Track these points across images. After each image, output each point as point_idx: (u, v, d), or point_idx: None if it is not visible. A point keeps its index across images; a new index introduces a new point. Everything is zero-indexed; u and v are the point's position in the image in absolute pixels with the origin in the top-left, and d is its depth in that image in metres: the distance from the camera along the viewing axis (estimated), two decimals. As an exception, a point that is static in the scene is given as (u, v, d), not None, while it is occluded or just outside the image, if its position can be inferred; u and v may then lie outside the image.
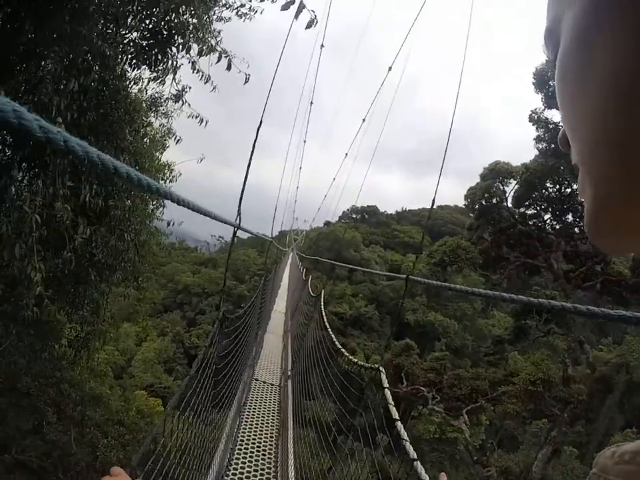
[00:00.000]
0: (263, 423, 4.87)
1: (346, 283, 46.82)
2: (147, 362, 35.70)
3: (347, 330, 39.99)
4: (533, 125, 17.53)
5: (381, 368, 3.17)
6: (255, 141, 3.04)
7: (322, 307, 6.23)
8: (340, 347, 4.33)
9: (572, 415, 15.20)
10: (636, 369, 16.11)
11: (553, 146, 16.77)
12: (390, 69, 8.44)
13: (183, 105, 7.08)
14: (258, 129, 3.18)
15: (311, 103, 13.42)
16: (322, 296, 6.77)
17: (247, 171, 2.89)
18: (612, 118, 0.27)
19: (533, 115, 17.37)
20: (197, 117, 7.17)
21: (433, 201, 3.30)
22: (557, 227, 18.25)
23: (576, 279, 17.19)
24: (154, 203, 8.87)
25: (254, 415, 5.06)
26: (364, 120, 11.13)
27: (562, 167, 16.20)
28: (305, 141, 17.65)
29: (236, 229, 2.82)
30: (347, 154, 14.50)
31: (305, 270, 20.84)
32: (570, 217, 17.72)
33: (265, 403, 5.51)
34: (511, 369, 20.09)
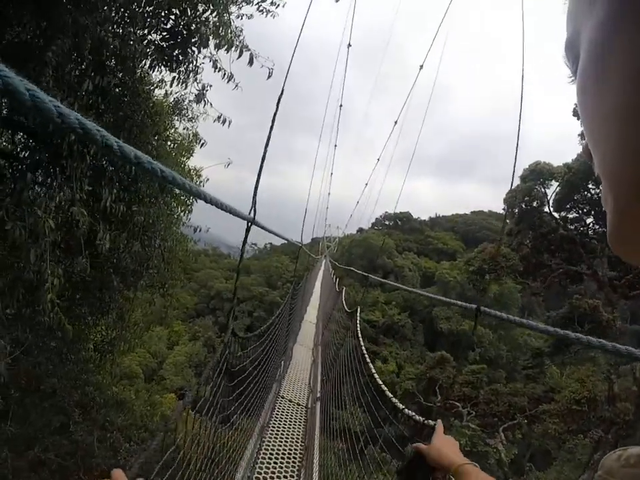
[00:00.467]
0: (286, 446, 4.53)
1: (379, 290, 46.28)
2: (178, 365, 36.21)
3: (379, 338, 39.43)
4: (578, 119, 16.71)
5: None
6: (269, 138, 2.79)
7: (358, 327, 5.56)
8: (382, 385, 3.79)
9: (616, 436, 14.14)
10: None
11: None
12: (421, 67, 8.26)
13: (205, 105, 6.96)
14: (272, 124, 2.93)
15: (340, 105, 13.24)
16: (358, 313, 6.27)
17: (261, 165, 2.64)
18: (632, 125, 0.26)
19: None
20: (220, 118, 7.00)
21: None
22: (600, 231, 17.33)
23: (622, 287, 16.27)
24: (181, 208, 8.75)
25: (277, 435, 4.72)
26: (396, 122, 10.88)
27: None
28: (335, 146, 17.45)
29: (249, 224, 2.56)
30: (379, 159, 14.33)
31: (337, 279, 20.45)
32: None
33: (290, 423, 5.13)
34: (550, 384, 19.32)
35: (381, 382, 3.74)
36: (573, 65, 0.34)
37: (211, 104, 6.90)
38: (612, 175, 0.30)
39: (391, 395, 3.25)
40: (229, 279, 48.80)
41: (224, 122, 6.86)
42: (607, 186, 0.31)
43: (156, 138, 6.92)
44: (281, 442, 4.59)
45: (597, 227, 17.48)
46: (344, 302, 12.25)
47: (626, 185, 0.28)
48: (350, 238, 55.55)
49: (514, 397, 17.91)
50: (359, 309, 6.30)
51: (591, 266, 17.04)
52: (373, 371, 3.96)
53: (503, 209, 20.91)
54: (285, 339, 6.56)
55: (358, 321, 5.82)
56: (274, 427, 4.86)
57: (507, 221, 19.58)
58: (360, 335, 5.15)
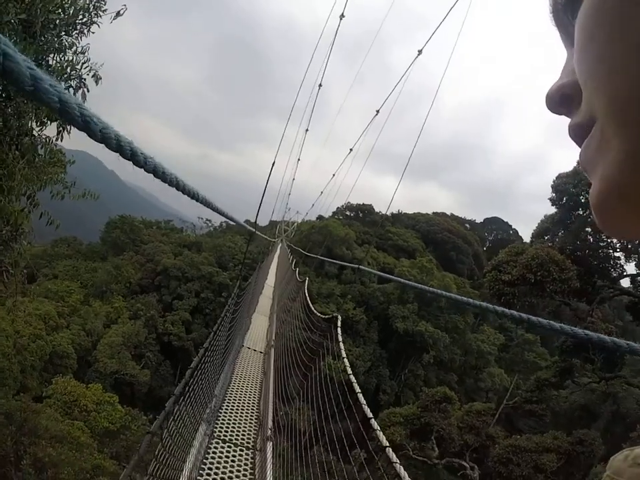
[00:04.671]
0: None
1: (335, 282, 45.89)
2: (114, 346, 34.83)
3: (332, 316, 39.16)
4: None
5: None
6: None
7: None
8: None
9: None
10: None
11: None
12: (420, 52, 8.08)
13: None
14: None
15: (320, 85, 12.81)
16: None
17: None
18: None
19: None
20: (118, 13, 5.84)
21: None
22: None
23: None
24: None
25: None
26: (377, 112, 11.09)
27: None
28: (307, 130, 16.66)
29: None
30: (351, 149, 14.60)
31: (294, 261, 20.47)
32: None
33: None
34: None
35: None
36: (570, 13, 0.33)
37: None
38: (626, 117, 0.27)
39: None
40: (178, 256, 47.48)
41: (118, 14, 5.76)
42: (615, 129, 0.28)
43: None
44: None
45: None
46: (297, 276, 12.39)
47: None
48: (309, 224, 54.82)
49: (540, 454, 14.50)
50: (339, 320, 6.10)
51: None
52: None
53: (551, 198, 17.75)
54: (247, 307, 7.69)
55: (339, 333, 5.75)
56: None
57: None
58: (342, 348, 5.38)
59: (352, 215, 67.60)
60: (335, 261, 26.06)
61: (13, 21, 4.33)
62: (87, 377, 31.04)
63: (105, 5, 5.48)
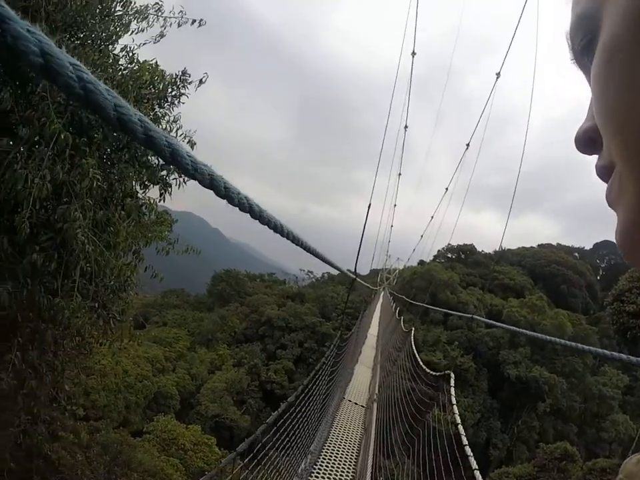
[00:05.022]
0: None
1: (441, 328, 44.21)
2: (217, 392, 35.93)
3: (439, 382, 37.35)
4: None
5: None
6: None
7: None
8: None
9: None
10: None
11: None
12: (498, 75, 8.16)
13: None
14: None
15: (406, 127, 12.83)
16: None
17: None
18: None
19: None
20: (201, 81, 6.31)
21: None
22: None
23: None
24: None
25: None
26: (468, 145, 10.73)
27: None
28: (399, 174, 16.68)
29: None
30: (446, 188, 14.27)
31: (397, 309, 20.05)
32: None
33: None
34: None
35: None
36: (581, 42, 0.34)
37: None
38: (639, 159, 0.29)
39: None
40: (282, 307, 48.63)
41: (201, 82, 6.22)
42: (631, 172, 0.30)
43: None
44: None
45: None
46: (402, 325, 11.92)
47: None
48: (411, 270, 53.83)
49: None
50: (452, 378, 5.97)
51: None
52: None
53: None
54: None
55: (452, 393, 5.57)
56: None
57: None
58: (455, 404, 5.21)
59: (453, 256, 65.32)
60: (440, 309, 25.30)
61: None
62: (188, 418, 32.22)
63: (189, 77, 6.06)
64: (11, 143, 4.35)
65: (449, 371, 6.14)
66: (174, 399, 32.99)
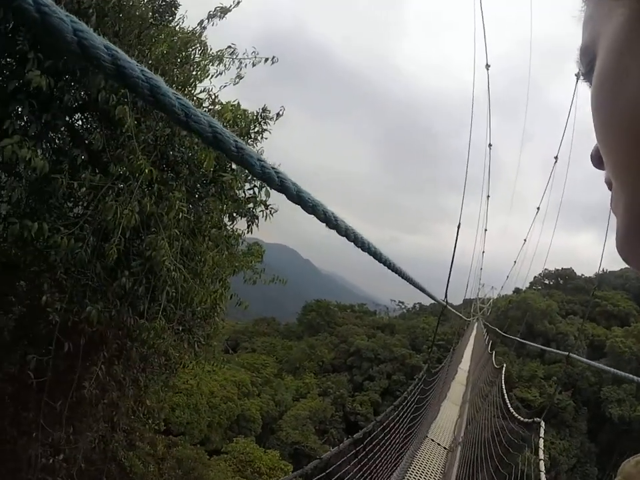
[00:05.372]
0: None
1: (538, 362, 41.30)
2: (300, 419, 35.93)
3: (533, 422, 34.61)
4: None
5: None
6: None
7: (502, 382, 6.35)
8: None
9: None
10: None
11: None
12: (577, 76, 7.87)
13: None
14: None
15: (490, 145, 12.43)
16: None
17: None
18: None
19: None
20: (278, 115, 6.64)
21: None
22: None
23: None
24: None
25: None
26: (556, 158, 10.17)
27: None
28: (488, 196, 16.14)
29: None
30: (538, 208, 13.45)
31: (490, 342, 19.05)
32: None
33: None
34: None
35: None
36: (585, 68, 0.38)
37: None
38: (626, 175, 0.32)
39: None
40: (372, 337, 48.27)
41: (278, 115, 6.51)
42: (620, 188, 0.34)
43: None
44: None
45: None
46: (493, 362, 11.17)
47: None
48: (506, 299, 51.11)
49: None
50: (542, 427, 5.68)
51: None
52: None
53: None
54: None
55: (541, 445, 5.38)
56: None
57: None
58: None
59: (551, 282, 61.08)
60: (533, 344, 23.98)
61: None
62: (267, 443, 32.44)
63: (270, 113, 6.44)
64: (103, 178, 4.88)
65: (538, 419, 5.83)
66: (256, 423, 33.42)
